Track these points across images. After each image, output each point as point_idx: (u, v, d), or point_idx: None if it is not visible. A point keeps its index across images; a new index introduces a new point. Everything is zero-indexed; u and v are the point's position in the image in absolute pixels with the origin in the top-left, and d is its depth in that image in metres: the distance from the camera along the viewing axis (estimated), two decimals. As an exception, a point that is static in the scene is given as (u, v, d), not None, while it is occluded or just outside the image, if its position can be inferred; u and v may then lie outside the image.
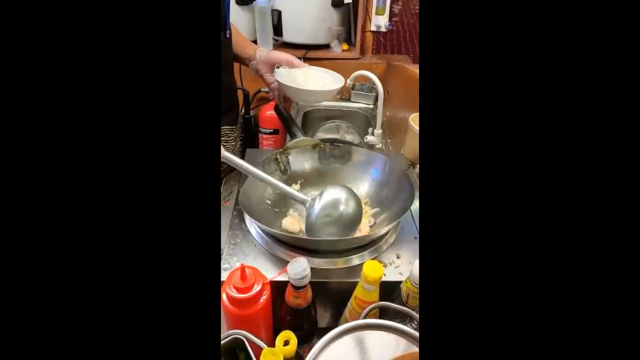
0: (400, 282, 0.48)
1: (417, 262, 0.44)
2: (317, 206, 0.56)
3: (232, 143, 0.92)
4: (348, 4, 1.24)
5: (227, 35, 0.78)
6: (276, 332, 0.42)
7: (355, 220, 0.57)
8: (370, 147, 0.93)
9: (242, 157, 0.84)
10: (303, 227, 0.60)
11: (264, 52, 0.79)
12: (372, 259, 0.55)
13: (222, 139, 0.88)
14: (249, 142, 1.16)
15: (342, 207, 0.55)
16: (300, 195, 0.58)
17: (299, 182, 0.71)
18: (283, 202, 0.67)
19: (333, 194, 0.56)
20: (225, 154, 0.56)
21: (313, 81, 0.75)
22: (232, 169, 0.91)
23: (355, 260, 0.54)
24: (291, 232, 0.61)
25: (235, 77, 0.90)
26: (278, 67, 0.76)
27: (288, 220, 0.63)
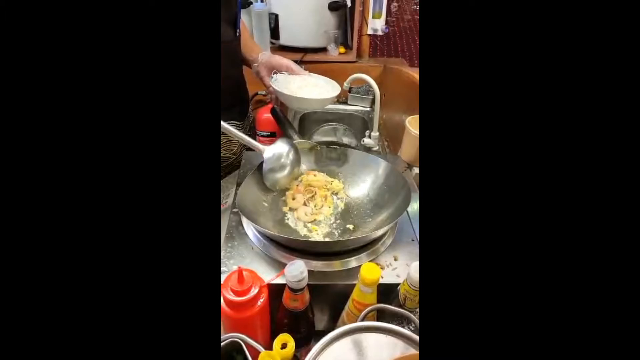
0: (397, 284, 0.48)
1: (414, 264, 0.44)
2: (266, 157, 0.66)
3: (236, 140, 0.92)
4: (345, 7, 1.25)
5: (237, 34, 0.81)
6: (274, 335, 0.42)
7: (296, 163, 0.68)
8: (367, 149, 0.93)
9: (239, 157, 0.84)
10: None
11: (265, 55, 0.81)
12: (369, 261, 0.55)
13: (224, 134, 0.88)
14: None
15: (283, 159, 0.67)
16: (256, 144, 0.67)
17: (297, 183, 0.71)
18: (280, 204, 0.67)
19: (277, 147, 0.67)
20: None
21: (309, 89, 0.76)
22: (227, 170, 0.91)
23: (352, 262, 0.54)
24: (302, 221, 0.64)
25: (243, 74, 0.92)
26: (275, 73, 0.77)
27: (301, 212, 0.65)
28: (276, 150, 0.66)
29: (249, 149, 1.00)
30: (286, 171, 0.66)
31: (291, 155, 0.67)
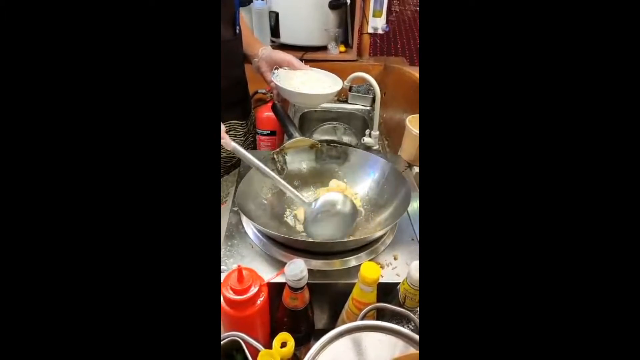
0: (397, 284, 0.48)
1: (414, 264, 0.44)
2: (316, 205, 0.60)
3: (242, 138, 0.92)
4: (345, 6, 1.24)
5: (237, 31, 0.81)
6: (273, 334, 0.42)
7: (350, 220, 0.59)
8: (367, 148, 0.93)
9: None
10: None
11: (266, 50, 0.81)
12: (369, 260, 0.55)
13: (229, 133, 0.89)
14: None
15: (339, 207, 0.59)
16: (301, 197, 0.61)
17: (296, 182, 0.71)
18: (280, 203, 0.67)
19: (331, 196, 0.60)
20: (233, 145, 0.59)
21: (311, 84, 0.75)
22: (229, 170, 0.91)
23: (352, 261, 0.54)
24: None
25: (245, 73, 0.92)
26: (277, 69, 0.77)
27: (302, 212, 0.64)
28: (327, 198, 0.57)
29: (251, 148, 1.00)
30: (334, 223, 0.56)
31: (348, 205, 0.57)
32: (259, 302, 0.44)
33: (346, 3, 1.22)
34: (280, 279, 0.50)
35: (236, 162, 0.93)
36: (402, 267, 0.55)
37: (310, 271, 0.45)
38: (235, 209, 0.63)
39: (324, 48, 1.32)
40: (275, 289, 0.48)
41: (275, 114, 0.84)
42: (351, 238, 0.59)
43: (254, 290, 0.44)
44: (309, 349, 0.38)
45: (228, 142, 0.59)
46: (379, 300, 0.46)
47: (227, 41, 0.79)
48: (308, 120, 1.24)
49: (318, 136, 1.26)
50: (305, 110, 1.22)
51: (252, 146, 1.00)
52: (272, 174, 0.61)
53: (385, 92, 1.17)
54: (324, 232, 0.58)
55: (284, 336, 0.40)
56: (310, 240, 0.58)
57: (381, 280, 0.49)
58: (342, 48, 1.33)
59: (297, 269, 0.42)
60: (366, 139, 0.93)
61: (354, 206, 0.60)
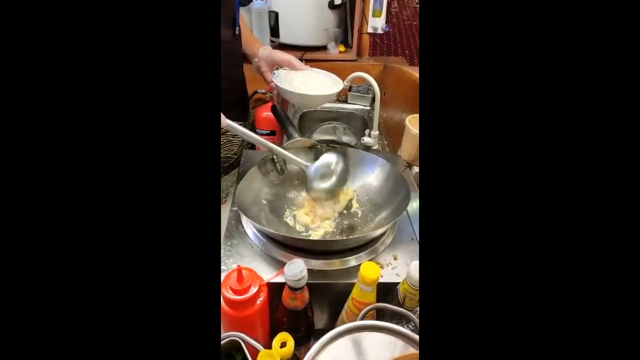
0: (397, 284, 0.48)
1: (413, 263, 0.44)
2: (316, 166, 0.67)
3: (240, 139, 0.92)
4: (344, 5, 1.24)
5: (237, 32, 0.81)
6: (273, 334, 0.42)
7: (344, 175, 0.68)
8: (367, 148, 0.93)
9: (239, 157, 0.84)
10: (317, 219, 0.65)
11: (266, 50, 0.81)
12: (369, 260, 0.55)
13: (228, 133, 0.89)
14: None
15: (333, 166, 0.68)
16: (301, 161, 0.68)
17: (296, 181, 0.71)
18: (279, 202, 0.67)
19: (327, 157, 0.69)
20: (227, 122, 0.60)
21: (311, 84, 0.75)
22: (229, 170, 0.91)
23: (352, 261, 0.54)
24: (306, 225, 0.64)
25: (243, 73, 0.92)
26: (277, 69, 0.77)
27: (301, 214, 0.65)
28: (324, 160, 0.67)
29: (250, 148, 1.00)
30: (333, 179, 0.66)
31: (341, 164, 0.67)
32: (258, 302, 0.44)
33: (340, 4, 1.22)
34: (280, 279, 0.50)
35: (235, 162, 0.93)
36: (401, 267, 0.55)
37: (310, 271, 0.45)
38: (235, 209, 0.63)
39: (323, 48, 1.32)
40: (275, 289, 0.48)
41: (275, 115, 0.84)
42: (350, 237, 0.59)
43: (253, 290, 0.44)
44: (308, 349, 0.38)
45: (222, 120, 0.59)
46: (378, 300, 0.46)
47: (226, 42, 0.79)
48: (308, 120, 1.24)
49: (318, 136, 1.26)
50: (305, 110, 1.22)
51: (250, 146, 1.00)
52: (271, 144, 0.65)
53: (385, 92, 1.17)
54: (325, 185, 0.66)
55: (283, 336, 0.40)
56: (310, 239, 0.58)
57: (381, 280, 0.49)
58: (342, 48, 1.33)
59: (296, 269, 0.42)
60: (366, 139, 0.93)
61: (346, 163, 0.69)
